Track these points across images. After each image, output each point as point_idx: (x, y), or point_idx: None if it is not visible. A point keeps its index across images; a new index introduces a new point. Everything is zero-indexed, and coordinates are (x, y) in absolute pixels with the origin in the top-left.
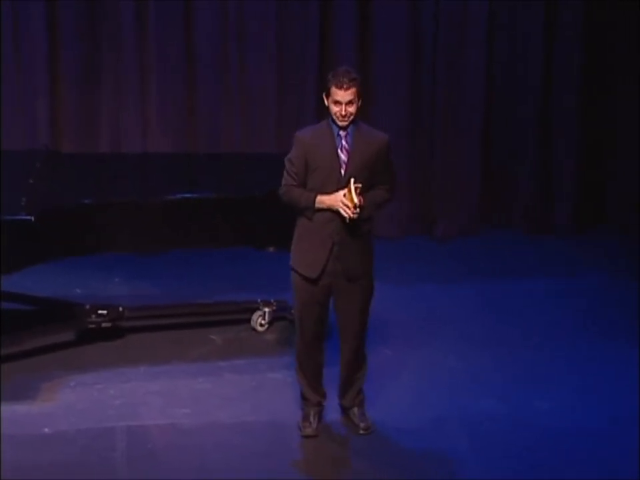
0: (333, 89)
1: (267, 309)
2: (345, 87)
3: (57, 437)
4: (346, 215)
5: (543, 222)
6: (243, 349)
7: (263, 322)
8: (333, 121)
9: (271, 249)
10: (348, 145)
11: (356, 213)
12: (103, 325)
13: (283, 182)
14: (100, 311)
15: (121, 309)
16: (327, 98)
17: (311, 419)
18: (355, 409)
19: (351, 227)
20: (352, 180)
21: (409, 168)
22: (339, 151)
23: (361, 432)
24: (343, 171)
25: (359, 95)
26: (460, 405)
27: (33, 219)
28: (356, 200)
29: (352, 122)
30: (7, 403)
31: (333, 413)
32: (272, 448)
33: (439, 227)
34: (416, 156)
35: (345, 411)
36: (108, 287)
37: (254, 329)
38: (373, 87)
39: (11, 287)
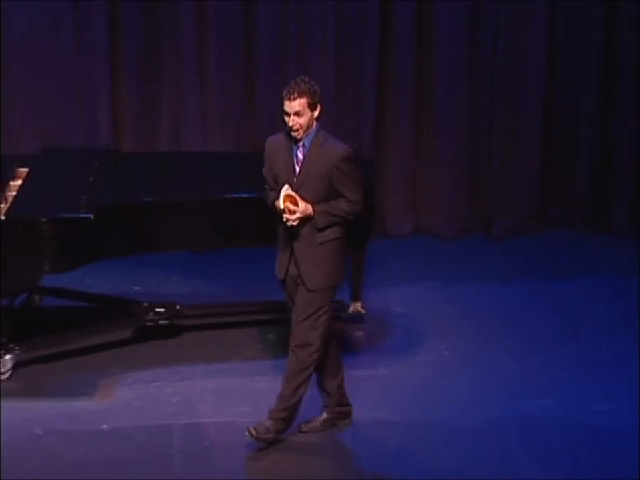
0: (284, 100)
1: None
2: (291, 97)
3: (115, 434)
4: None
5: (602, 221)
6: None
7: None
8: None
9: None
10: (302, 156)
11: (290, 220)
12: (161, 322)
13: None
14: (157, 309)
15: (178, 306)
16: None
17: None
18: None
19: (305, 235)
20: (285, 186)
21: (467, 167)
22: (294, 161)
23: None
24: (295, 181)
25: (311, 105)
26: (515, 405)
27: (92, 216)
28: (282, 206)
29: (305, 132)
30: (66, 400)
31: None
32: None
33: (497, 225)
34: (475, 155)
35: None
36: (166, 284)
37: None
38: (433, 86)
39: (70, 285)
